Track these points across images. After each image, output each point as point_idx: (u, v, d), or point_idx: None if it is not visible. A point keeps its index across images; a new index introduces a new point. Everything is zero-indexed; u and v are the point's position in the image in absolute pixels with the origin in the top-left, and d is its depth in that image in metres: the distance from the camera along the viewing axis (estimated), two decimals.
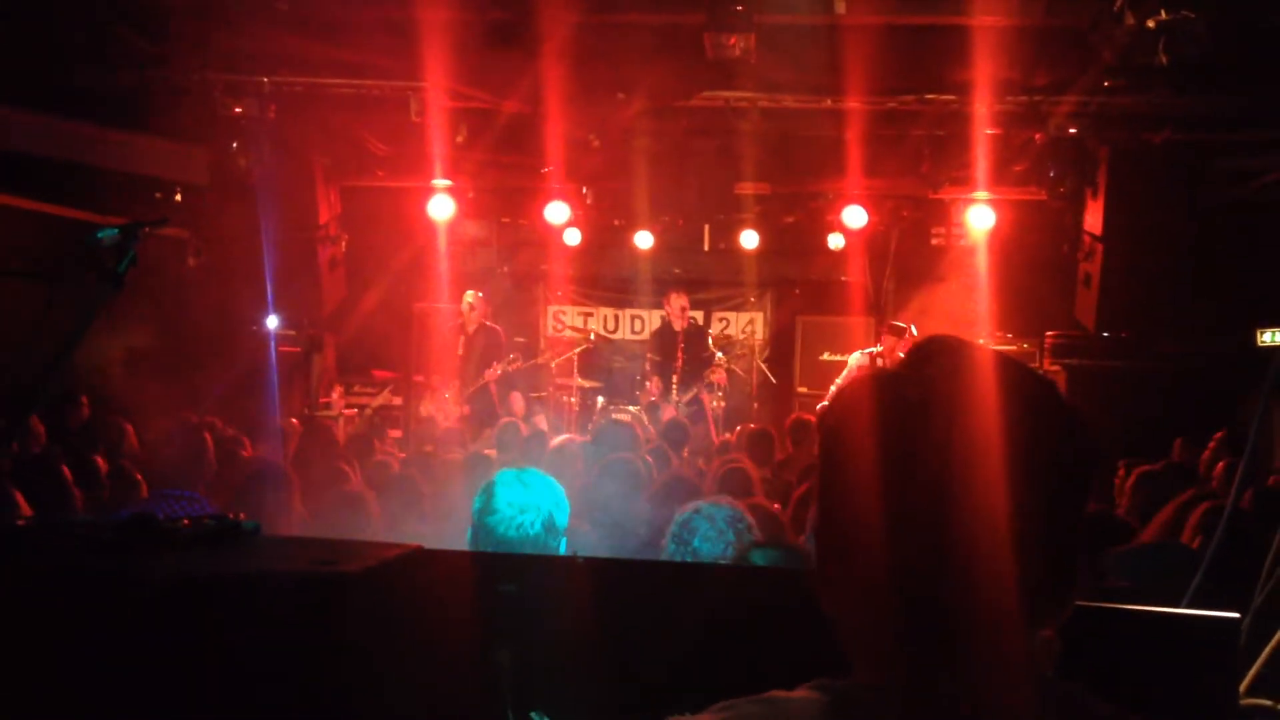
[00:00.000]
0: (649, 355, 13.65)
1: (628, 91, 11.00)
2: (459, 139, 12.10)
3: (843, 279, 15.80)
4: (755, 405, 14.97)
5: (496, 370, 12.93)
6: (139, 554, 2.44)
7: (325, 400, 14.14)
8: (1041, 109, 11.16)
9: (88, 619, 2.25)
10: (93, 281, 3.41)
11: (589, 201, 14.38)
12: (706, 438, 11.82)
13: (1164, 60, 8.39)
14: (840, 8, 9.28)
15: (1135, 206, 12.09)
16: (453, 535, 4.16)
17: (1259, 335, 11.74)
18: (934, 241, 15.33)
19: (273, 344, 12.69)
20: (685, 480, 6.60)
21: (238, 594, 2.26)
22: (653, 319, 16.27)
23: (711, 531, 4.00)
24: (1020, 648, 1.24)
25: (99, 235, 3.46)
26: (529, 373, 14.52)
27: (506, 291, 16.20)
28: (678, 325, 13.30)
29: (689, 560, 3.93)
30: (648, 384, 13.33)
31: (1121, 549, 5.06)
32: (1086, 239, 12.81)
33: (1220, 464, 8.04)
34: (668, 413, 12.57)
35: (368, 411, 13.88)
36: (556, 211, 13.73)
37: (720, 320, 16.80)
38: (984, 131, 11.42)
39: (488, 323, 13.42)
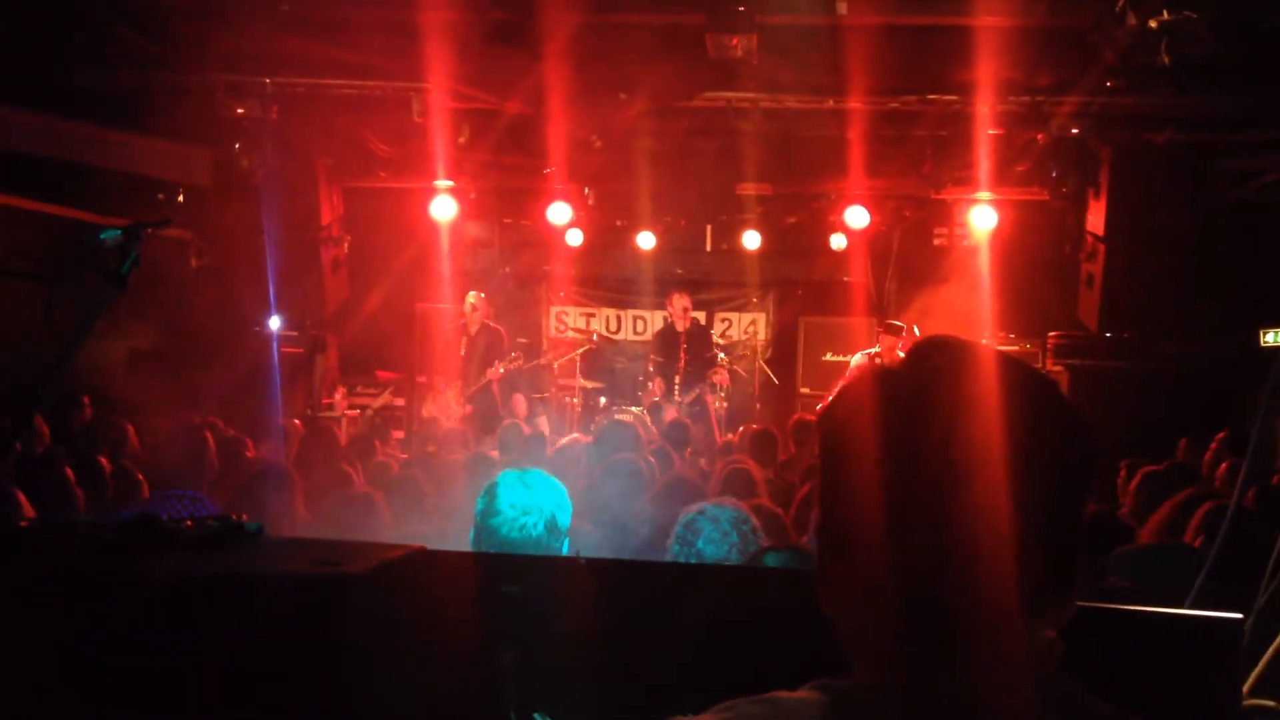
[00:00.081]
0: (651, 356, 13.64)
1: (630, 92, 10.99)
2: (461, 140, 12.10)
3: (845, 279, 15.79)
4: (758, 406, 14.97)
5: (499, 369, 12.93)
6: (141, 554, 2.44)
7: (328, 401, 14.14)
8: (1044, 109, 11.16)
9: (89, 619, 2.25)
10: (95, 282, 3.41)
11: (591, 202, 14.37)
12: (709, 438, 11.82)
13: (1166, 60, 8.38)
14: (842, 8, 9.27)
15: (1137, 207, 12.08)
16: (455, 536, 4.16)
17: (1261, 335, 11.75)
18: (936, 242, 15.34)
19: (275, 345, 12.69)
20: (687, 481, 6.60)
21: (239, 594, 2.26)
22: (655, 320, 16.27)
23: (715, 533, 4.00)
24: (1021, 648, 1.24)
25: (102, 236, 3.47)
26: (531, 373, 14.52)
27: (509, 292, 16.20)
28: (680, 326, 13.30)
29: (693, 561, 3.93)
30: (650, 385, 13.32)
31: (1125, 549, 5.06)
32: (1089, 239, 12.81)
33: (1223, 464, 8.04)
34: (670, 413, 12.57)
35: (368, 412, 13.87)
36: (559, 212, 13.72)
37: (722, 321, 16.80)
38: (986, 132, 11.42)
39: (490, 323, 13.42)
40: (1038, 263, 13.92)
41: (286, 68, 11.11)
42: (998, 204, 13.27)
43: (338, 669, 2.24)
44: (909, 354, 1.35)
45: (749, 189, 14.07)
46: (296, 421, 11.02)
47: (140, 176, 12.15)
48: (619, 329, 17.08)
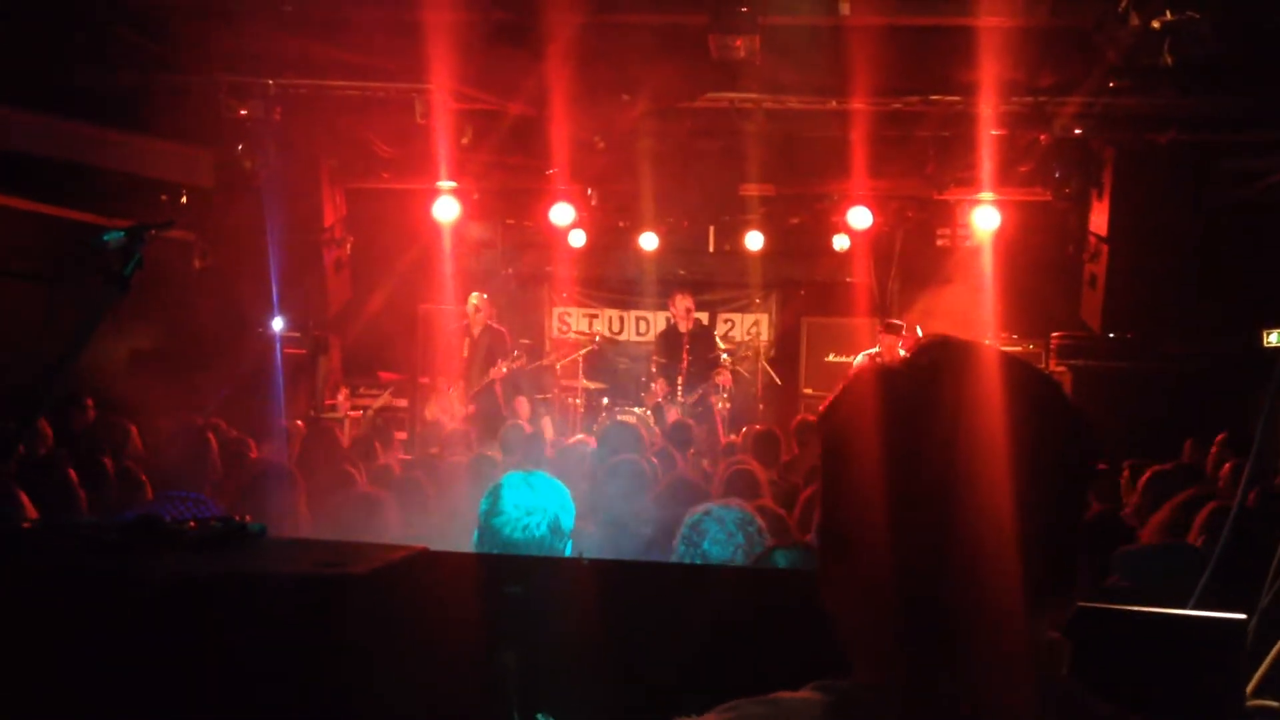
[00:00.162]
0: (654, 357, 13.63)
1: (632, 93, 10.99)
2: (464, 141, 12.10)
3: (848, 280, 15.79)
4: (760, 407, 14.96)
5: (501, 368, 12.93)
6: (143, 555, 2.44)
7: (331, 402, 14.15)
8: (1046, 110, 11.15)
9: (91, 619, 2.25)
10: (99, 284, 3.41)
11: (594, 203, 14.37)
12: (713, 439, 11.81)
13: (1169, 61, 8.37)
14: (844, 9, 9.27)
15: (1140, 207, 12.08)
16: (458, 537, 4.16)
17: (1264, 336, 11.75)
18: (939, 242, 15.35)
19: (278, 346, 12.69)
20: (690, 482, 6.60)
21: (241, 595, 2.26)
22: (658, 320, 16.28)
23: (721, 534, 4.00)
24: (1022, 648, 1.24)
25: (105, 238, 3.47)
26: (534, 374, 14.53)
27: (511, 293, 16.22)
28: (683, 327, 13.30)
29: (698, 562, 3.93)
30: (653, 385, 13.32)
31: (1127, 549, 5.06)
32: (1092, 240, 12.81)
33: (1226, 465, 8.03)
34: (673, 414, 12.57)
35: (368, 413, 13.88)
36: (561, 213, 13.71)
37: (725, 322, 16.81)
38: (989, 132, 11.42)
39: (493, 324, 13.42)
40: (1041, 263, 13.91)
41: (289, 69, 11.12)
42: (1000, 204, 13.26)
43: (340, 670, 2.24)
44: (911, 354, 1.35)
45: (752, 190, 14.07)
46: (299, 422, 11.03)
47: (143, 178, 12.16)
48: (622, 330, 17.08)
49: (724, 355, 13.78)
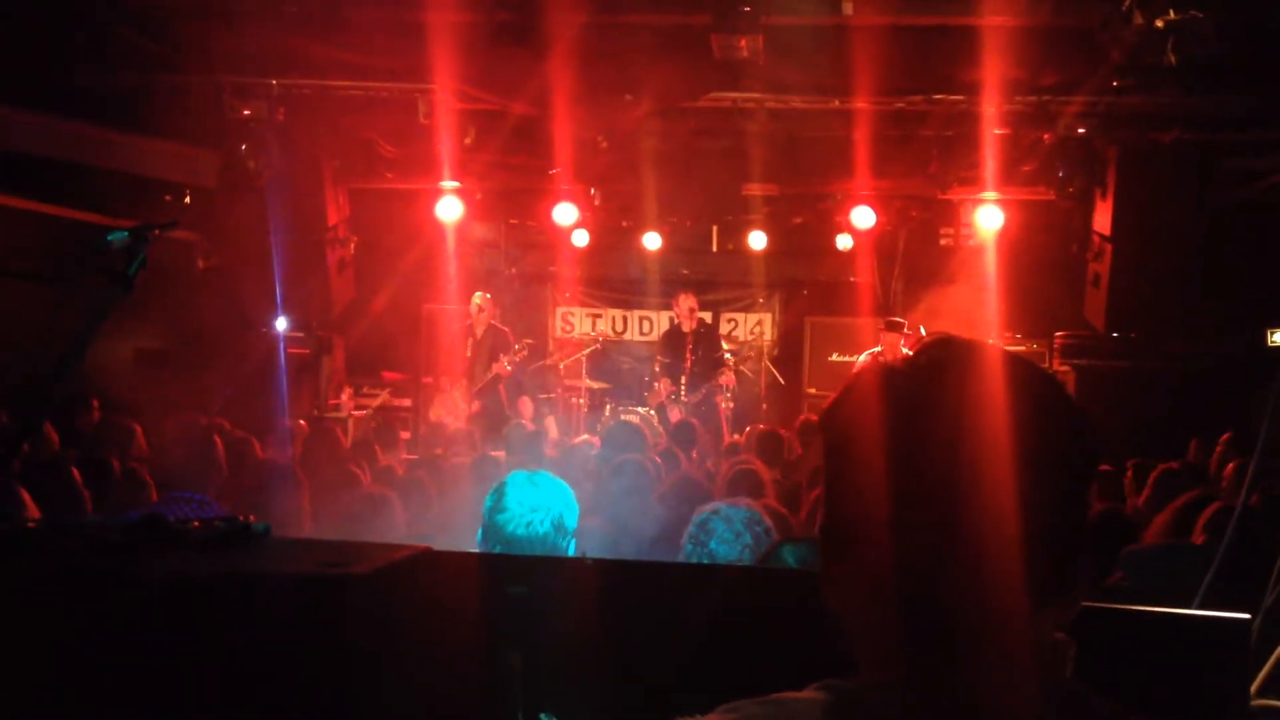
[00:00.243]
0: (658, 357, 13.63)
1: (635, 93, 10.99)
2: (467, 141, 12.11)
3: (851, 280, 15.77)
4: (764, 406, 14.96)
5: (504, 364, 12.93)
6: (147, 555, 2.45)
7: (334, 402, 14.16)
8: (1050, 109, 11.14)
9: (95, 620, 2.25)
10: (103, 284, 3.41)
11: (597, 203, 14.37)
12: (718, 439, 11.81)
13: (1172, 60, 8.37)
14: (847, 8, 9.27)
15: (1144, 206, 12.07)
16: (461, 537, 4.16)
17: (1269, 335, 11.74)
18: (942, 242, 15.34)
19: (282, 346, 12.70)
20: (694, 481, 6.60)
21: (244, 595, 2.27)
22: (661, 320, 16.29)
23: (728, 534, 4.00)
24: (1025, 648, 1.24)
25: (109, 238, 3.47)
26: (537, 374, 14.54)
27: (515, 293, 16.22)
28: (686, 327, 13.29)
29: (705, 561, 3.93)
30: (656, 385, 13.32)
31: (1132, 549, 5.06)
32: (1095, 239, 12.80)
33: (1230, 465, 8.03)
34: (677, 414, 12.57)
35: (367, 414, 13.89)
36: (564, 213, 13.71)
37: (729, 321, 16.80)
38: (992, 131, 11.41)
39: (496, 324, 13.42)
40: (1044, 263, 13.91)
41: (292, 69, 11.13)
42: (1004, 204, 13.25)
43: (343, 670, 2.24)
44: (915, 353, 1.35)
45: (755, 189, 14.07)
46: (302, 422, 11.04)
47: (147, 178, 12.17)
48: (625, 330, 17.08)
49: (728, 355, 13.78)
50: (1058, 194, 12.61)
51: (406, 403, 14.94)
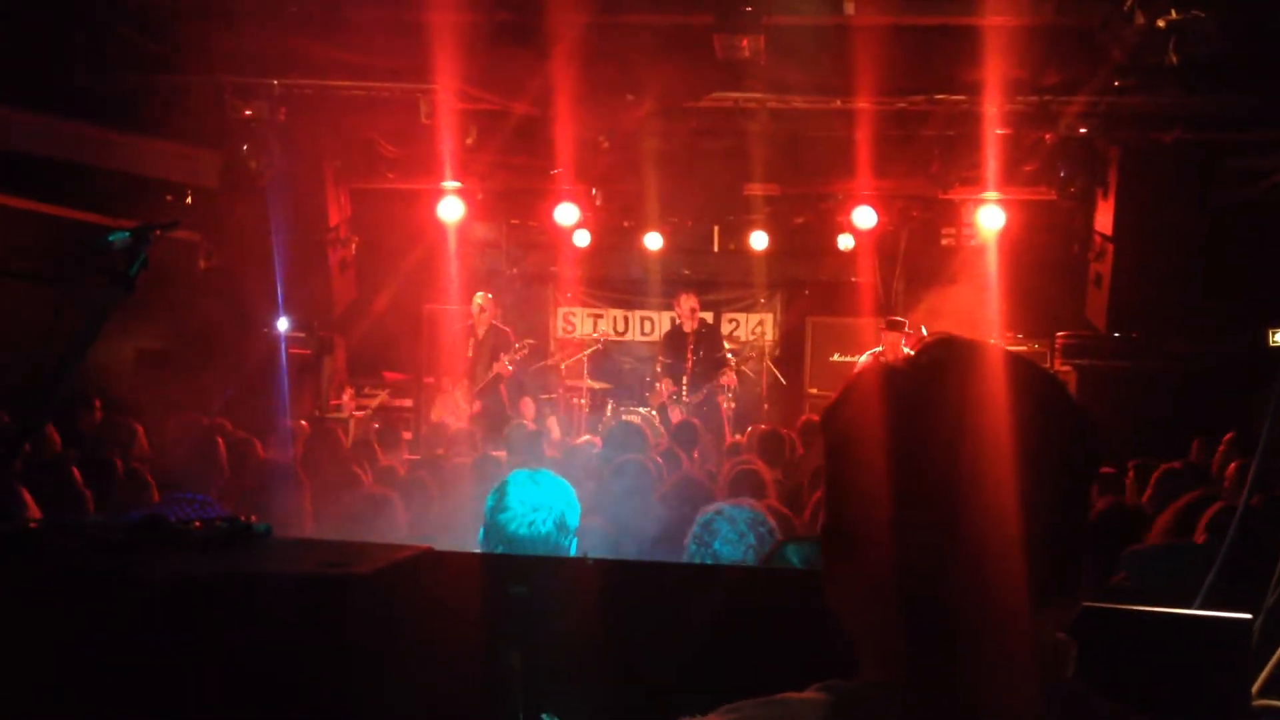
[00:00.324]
0: (659, 358, 13.63)
1: (637, 93, 10.99)
2: (468, 141, 12.11)
3: (852, 280, 15.76)
4: (765, 406, 14.95)
5: (505, 363, 12.93)
6: (149, 555, 2.45)
7: (336, 402, 14.17)
8: (1051, 109, 11.14)
9: (97, 620, 2.25)
10: (104, 284, 3.41)
11: (598, 203, 14.37)
12: (719, 439, 11.80)
13: (1174, 60, 8.37)
14: (849, 8, 9.27)
15: (1146, 206, 12.06)
16: (463, 537, 4.16)
17: (1270, 335, 11.73)
18: (944, 242, 15.34)
19: (283, 346, 12.70)
20: (696, 482, 6.60)
21: (246, 595, 2.27)
22: (662, 320, 16.29)
23: (732, 534, 3.99)
24: (1025, 648, 1.24)
25: (110, 238, 3.47)
26: (539, 374, 14.54)
27: (516, 293, 16.21)
28: (687, 327, 13.28)
29: (709, 562, 3.93)
30: (658, 385, 13.32)
31: (1135, 549, 5.06)
32: (1097, 239, 12.79)
33: (1232, 464, 8.02)
34: (678, 414, 12.57)
35: (366, 414, 13.89)
36: (566, 213, 13.72)
37: (730, 321, 16.80)
38: (994, 131, 11.41)
39: (497, 324, 13.42)
40: (1046, 263, 13.90)
41: (294, 69, 11.13)
42: (1005, 204, 13.25)
43: (345, 670, 2.24)
44: (917, 353, 1.35)
45: (756, 189, 14.08)
46: (303, 423, 11.04)
47: (148, 178, 12.19)
48: (626, 330, 17.08)
49: (729, 355, 13.78)
50: (1059, 194, 12.61)
51: (407, 403, 14.94)
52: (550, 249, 16.12)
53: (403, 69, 10.80)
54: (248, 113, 11.51)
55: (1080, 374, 12.47)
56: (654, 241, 15.17)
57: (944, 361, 1.31)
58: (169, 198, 12.62)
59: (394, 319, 14.87)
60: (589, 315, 17.12)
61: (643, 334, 16.94)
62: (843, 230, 14.69)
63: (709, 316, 15.13)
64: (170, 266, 12.17)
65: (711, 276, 16.53)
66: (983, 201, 13.27)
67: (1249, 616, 2.26)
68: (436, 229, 13.97)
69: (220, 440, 7.64)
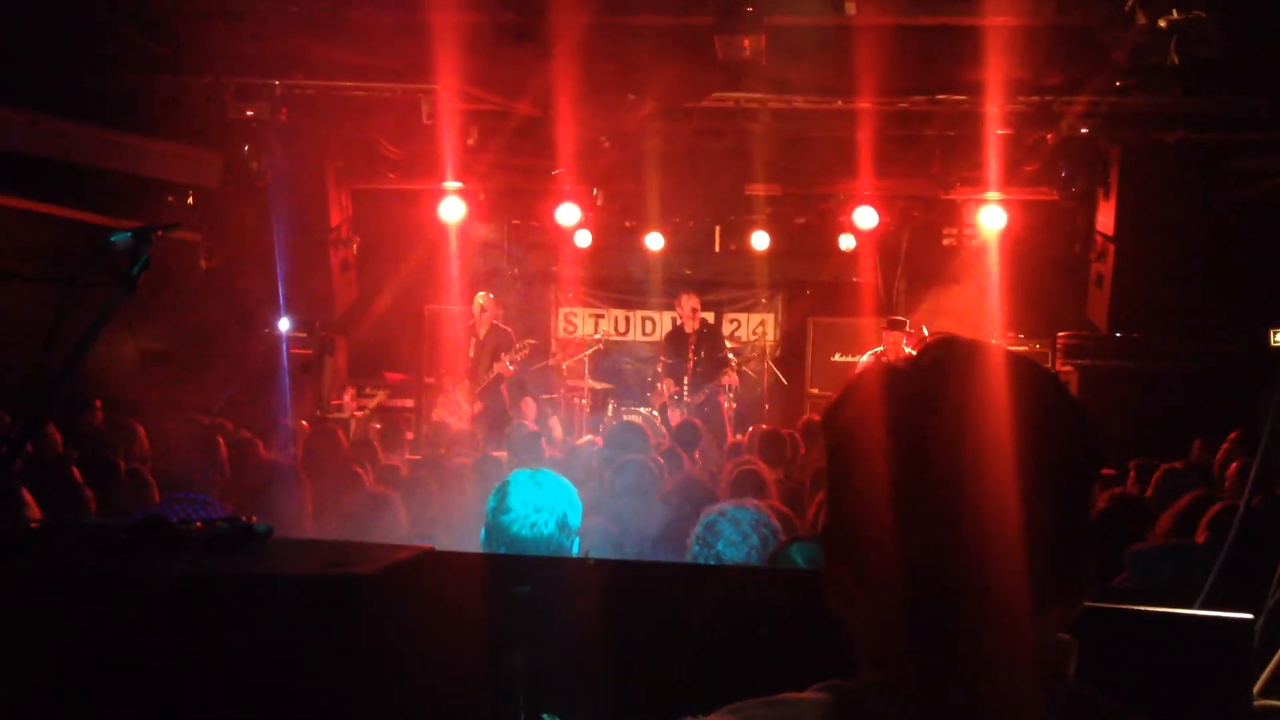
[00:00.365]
0: (660, 358, 13.64)
1: (638, 93, 11.00)
2: (470, 141, 12.12)
3: (854, 280, 15.76)
4: (766, 407, 14.96)
5: (506, 363, 12.93)
6: (151, 556, 2.45)
7: (337, 402, 14.17)
8: (1053, 109, 11.14)
9: (97, 620, 2.25)
10: (106, 284, 3.42)
11: (600, 203, 14.37)
12: (722, 439, 11.80)
13: (1176, 60, 8.36)
14: (850, 9, 9.26)
15: (1147, 206, 12.05)
16: (464, 537, 4.16)
17: (1271, 335, 11.72)
18: (945, 242, 15.34)
19: (284, 346, 12.71)
20: (697, 482, 6.60)
21: (248, 596, 2.27)
22: (664, 320, 16.29)
23: (736, 535, 3.99)
24: (1027, 648, 1.24)
25: (112, 239, 3.47)
26: (540, 374, 14.54)
27: (517, 293, 16.21)
28: (689, 327, 13.28)
29: (712, 563, 3.92)
30: (659, 385, 13.33)
31: (1137, 548, 5.06)
32: (1098, 239, 12.78)
33: (1234, 464, 8.02)
34: (680, 415, 12.57)
35: (365, 414, 13.89)
36: (567, 213, 13.72)
37: (731, 322, 16.80)
38: (995, 132, 11.40)
39: (499, 324, 13.41)
40: (1047, 263, 13.89)
41: (295, 70, 11.14)
42: (1007, 204, 13.25)
43: (348, 670, 2.24)
44: (918, 352, 1.35)
45: (758, 190, 14.08)
46: (304, 423, 11.05)
47: (149, 179, 12.19)
48: (628, 330, 17.08)
49: (731, 355, 13.78)
50: (1061, 194, 12.60)
51: (408, 403, 14.95)
52: (551, 249, 16.12)
53: (404, 69, 10.81)
54: (249, 113, 11.51)
55: (1081, 374, 12.46)
56: (655, 242, 15.17)
57: (945, 361, 1.31)
58: (170, 198, 12.62)
59: (395, 319, 14.88)
60: (590, 315, 17.12)
61: (644, 334, 16.95)
62: (844, 230, 14.69)
63: (710, 317, 15.13)
64: (171, 267, 12.19)
65: (713, 277, 16.54)
66: (984, 202, 13.27)
67: (1250, 617, 2.26)
68: (438, 229, 13.97)
69: (221, 440, 7.64)
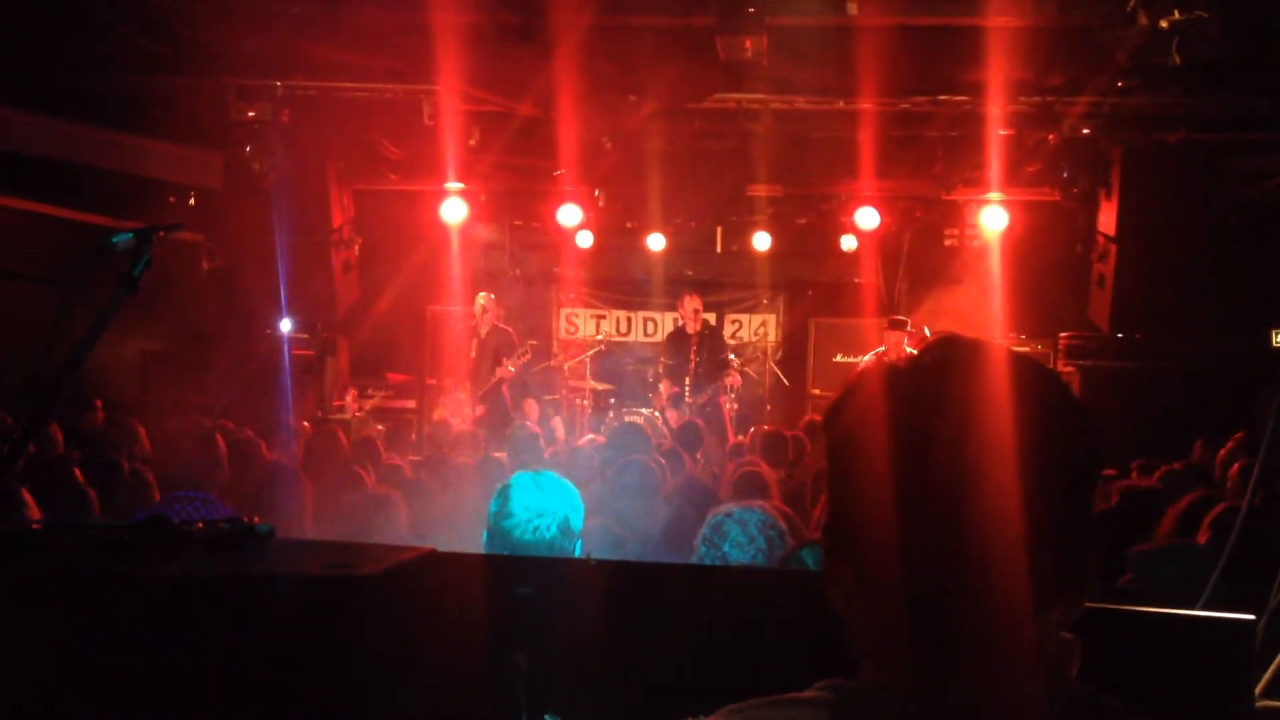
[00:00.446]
0: (661, 359, 13.64)
1: (640, 94, 11.00)
2: (471, 142, 12.12)
3: (855, 280, 15.76)
4: (768, 407, 14.94)
5: (508, 367, 12.93)
6: (153, 556, 2.45)
7: (339, 403, 14.17)
8: (1055, 109, 11.14)
9: (99, 620, 2.25)
10: (108, 285, 3.42)
11: (601, 204, 14.37)
12: (723, 440, 11.79)
13: (1177, 61, 8.36)
14: (852, 9, 9.26)
15: (1149, 207, 12.06)
16: (466, 538, 4.16)
17: (1273, 335, 11.72)
18: (947, 243, 15.33)
19: (286, 347, 12.71)
20: (699, 483, 6.59)
21: (250, 596, 2.27)
22: (665, 321, 16.28)
23: (742, 537, 3.97)
24: (1028, 648, 1.24)
25: (114, 240, 3.47)
26: (542, 375, 14.53)
27: (519, 294, 16.19)
28: (690, 329, 13.27)
29: (719, 565, 3.91)
30: (660, 386, 13.33)
31: (1139, 549, 5.06)
32: (1100, 239, 12.78)
33: (1235, 465, 8.01)
34: (680, 415, 12.57)
35: (363, 415, 13.89)
36: (569, 214, 13.72)
37: (733, 322, 16.79)
38: (997, 132, 11.40)
39: (500, 325, 13.41)
40: (1049, 263, 13.89)
41: (297, 71, 11.15)
42: (1009, 204, 13.25)
43: (349, 671, 2.24)
44: (919, 352, 1.35)
45: (759, 190, 14.09)
46: (306, 424, 11.05)
47: (151, 180, 12.20)
48: (629, 331, 17.07)
49: (732, 357, 13.77)
50: (1062, 195, 12.60)
51: (410, 404, 14.94)
52: (553, 250, 16.11)
53: (406, 70, 10.81)
54: (250, 114, 11.53)
55: (1083, 375, 12.46)
56: (657, 242, 15.17)
57: (948, 361, 1.31)
58: (172, 199, 12.63)
59: (397, 320, 14.89)
60: (592, 316, 17.11)
61: (645, 335, 16.93)
62: (846, 231, 14.69)
63: (712, 318, 15.12)
64: (173, 268, 12.20)
65: (714, 277, 16.52)
66: (986, 202, 13.27)
67: (1252, 618, 2.26)
68: (439, 230, 13.97)
69: (220, 439, 7.64)
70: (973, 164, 12.58)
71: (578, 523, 3.87)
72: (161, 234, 3.55)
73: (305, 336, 13.64)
